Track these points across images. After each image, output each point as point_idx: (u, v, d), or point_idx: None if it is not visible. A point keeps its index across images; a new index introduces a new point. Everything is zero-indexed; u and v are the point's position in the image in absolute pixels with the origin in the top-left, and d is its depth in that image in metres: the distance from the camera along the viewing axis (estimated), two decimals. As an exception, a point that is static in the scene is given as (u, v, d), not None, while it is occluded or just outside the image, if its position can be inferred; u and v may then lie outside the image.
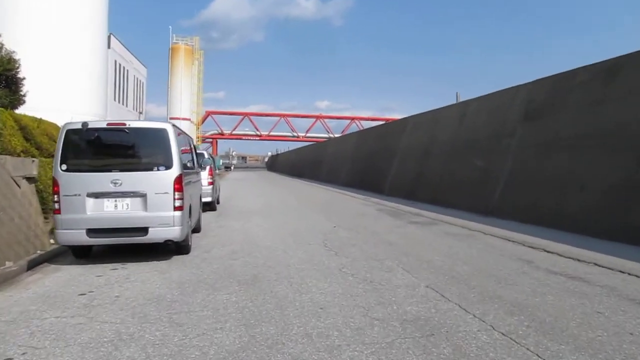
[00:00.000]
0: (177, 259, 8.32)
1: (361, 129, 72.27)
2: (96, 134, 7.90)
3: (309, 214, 15.63)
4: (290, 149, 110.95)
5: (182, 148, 9.45)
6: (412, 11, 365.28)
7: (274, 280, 6.81)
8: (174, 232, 7.91)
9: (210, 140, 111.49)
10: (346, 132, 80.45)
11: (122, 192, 7.74)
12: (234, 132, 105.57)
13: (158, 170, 7.91)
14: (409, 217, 14.67)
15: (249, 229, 11.98)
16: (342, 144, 42.45)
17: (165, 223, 7.83)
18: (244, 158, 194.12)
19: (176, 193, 7.91)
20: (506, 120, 15.65)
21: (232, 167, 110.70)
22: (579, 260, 7.97)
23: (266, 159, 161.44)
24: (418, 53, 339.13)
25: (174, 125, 8.30)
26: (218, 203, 18.69)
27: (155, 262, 8.08)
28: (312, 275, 7.04)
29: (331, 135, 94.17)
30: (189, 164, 10.17)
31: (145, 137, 8.11)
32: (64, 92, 26.79)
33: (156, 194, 7.81)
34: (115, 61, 38.69)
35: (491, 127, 16.49)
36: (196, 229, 11.15)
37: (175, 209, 7.89)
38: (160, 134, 8.00)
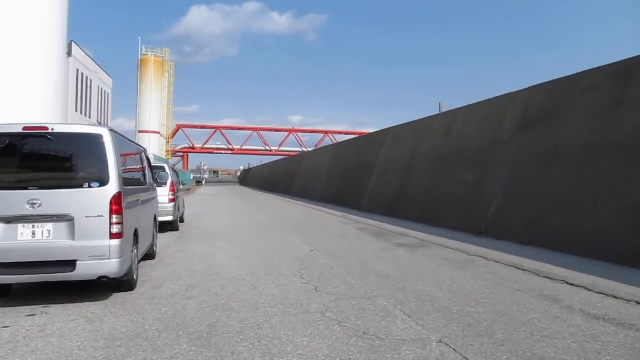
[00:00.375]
0: (116, 299, 6.57)
1: (334, 142, 70.69)
2: (7, 141, 6.14)
3: (283, 235, 13.97)
4: (263, 163, 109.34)
5: (130, 159, 7.75)
6: (384, 25, 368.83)
7: (236, 333, 5.14)
8: (110, 267, 6.18)
9: (181, 154, 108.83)
10: (320, 146, 79.29)
11: (42, 216, 5.99)
12: (205, 146, 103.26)
13: (90, 187, 6.19)
14: (394, 238, 13.14)
15: (213, 255, 10.26)
16: (318, 158, 40.96)
17: (99, 255, 6.11)
18: (216, 172, 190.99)
19: (114, 216, 6.18)
20: (499, 130, 14.33)
21: (203, 182, 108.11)
22: (615, 297, 6.50)
23: (239, 174, 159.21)
24: (391, 66, 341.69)
25: (112, 131, 6.58)
26: (182, 222, 16.90)
27: (87, 303, 6.32)
28: (288, 324, 5.39)
29: (304, 149, 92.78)
30: (139, 179, 8.47)
31: (74, 145, 6.36)
32: (15, 102, 24.60)
33: (87, 217, 6.09)
34: (78, 70, 36.51)
35: (482, 137, 15.16)
36: (150, 255, 9.41)
37: (113, 236, 6.17)
38: (95, 141, 6.29)
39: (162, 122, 77.64)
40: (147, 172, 9.22)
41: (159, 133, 76.01)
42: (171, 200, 14.37)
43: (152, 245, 9.44)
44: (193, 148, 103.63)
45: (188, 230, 15.11)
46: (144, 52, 77.75)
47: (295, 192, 44.34)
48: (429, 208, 17.03)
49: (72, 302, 6.32)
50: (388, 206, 20.75)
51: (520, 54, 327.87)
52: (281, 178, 59.69)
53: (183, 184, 17.01)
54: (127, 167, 7.37)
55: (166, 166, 15.12)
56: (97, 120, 42.89)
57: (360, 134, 54.14)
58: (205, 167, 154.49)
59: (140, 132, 73.80)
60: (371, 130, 31.58)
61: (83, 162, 6.40)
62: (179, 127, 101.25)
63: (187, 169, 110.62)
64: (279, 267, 8.84)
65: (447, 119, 18.19)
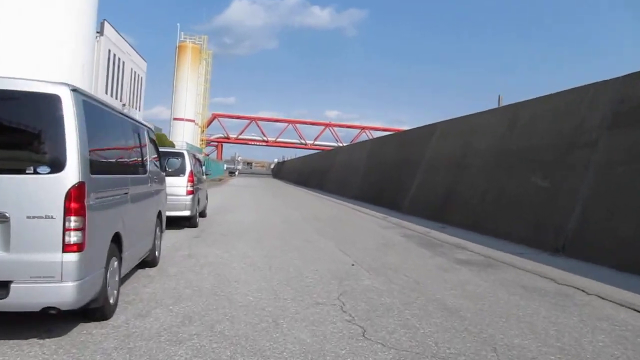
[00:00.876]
0: (79, 334, 4.58)
1: (371, 138, 67.67)
2: None
3: (316, 240, 11.87)
4: (297, 156, 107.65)
5: (115, 137, 5.74)
6: (424, 24, 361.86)
7: None
8: (61, 293, 4.16)
9: (216, 144, 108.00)
10: (356, 142, 76.73)
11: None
12: (240, 137, 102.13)
13: (36, 173, 4.16)
14: (451, 252, 10.87)
15: (229, 264, 8.21)
16: (354, 153, 38.73)
17: (45, 275, 4.09)
18: (249, 164, 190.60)
19: (71, 218, 4.16)
20: (581, 127, 11.86)
21: (236, 173, 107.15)
22: None
23: (272, 166, 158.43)
24: (430, 65, 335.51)
25: (78, 92, 4.50)
26: (203, 216, 15.01)
27: (33, 340, 4.34)
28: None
29: (340, 144, 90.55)
30: (130, 166, 6.46)
31: (16, 111, 4.33)
32: (39, 78, 23.14)
33: (29, 218, 4.08)
34: (110, 50, 35.14)
35: (555, 135, 12.70)
36: (149, 262, 7.45)
37: (67, 248, 4.15)
38: (48, 106, 4.25)
39: (197, 110, 76.48)
40: (148, 156, 7.19)
41: (193, 121, 75.03)
42: (189, 193, 12.45)
43: (153, 249, 7.46)
44: (227, 138, 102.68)
45: (208, 226, 13.16)
46: (182, 39, 76.76)
47: (329, 188, 42.26)
48: (485, 215, 14.65)
49: (8, 337, 4.33)
50: (434, 209, 18.43)
51: (562, 58, 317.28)
52: (314, 172, 57.68)
53: (207, 175, 15.07)
54: (108, 147, 5.34)
55: (185, 153, 13.15)
56: (128, 104, 41.61)
57: (397, 130, 51.89)
58: (239, 158, 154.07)
59: (175, 119, 72.99)
60: (408, 128, 29.60)
61: (28, 137, 4.35)
62: (214, 117, 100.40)
63: (221, 159, 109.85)
64: (312, 288, 6.72)
65: (509, 113, 15.73)
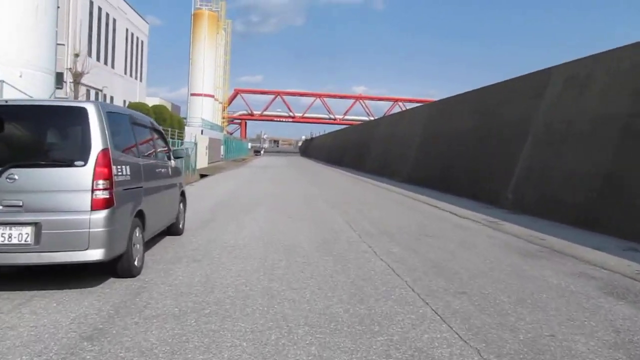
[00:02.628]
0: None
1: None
2: None
3: (394, 284, 4.47)
4: (326, 132, 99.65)
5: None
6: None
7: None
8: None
9: (239, 121, 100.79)
10: (389, 114, 67.98)
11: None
12: (265, 113, 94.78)
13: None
14: None
15: None
16: (403, 123, 30.97)
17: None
18: (276, 142, 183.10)
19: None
20: None
21: (262, 152, 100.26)
22: None
23: (299, 143, 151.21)
24: (459, 40, 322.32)
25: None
26: (177, 233, 7.86)
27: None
28: None
29: (372, 118, 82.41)
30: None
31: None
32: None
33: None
34: (92, 3, 27.87)
35: None
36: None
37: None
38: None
39: (217, 84, 69.34)
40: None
41: (212, 96, 67.92)
42: (101, 204, 5.02)
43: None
44: (251, 115, 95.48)
45: (165, 275, 5.82)
46: (198, 6, 69.19)
47: (369, 168, 34.75)
48: None
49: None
50: (580, 207, 10.84)
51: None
52: (349, 149, 50.13)
53: (178, 157, 7.63)
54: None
55: (90, 108, 5.48)
56: (125, 72, 34.51)
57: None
58: (265, 136, 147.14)
59: (192, 94, 65.85)
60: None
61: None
62: (236, 93, 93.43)
63: (245, 137, 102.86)
64: None
65: None
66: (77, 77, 22.92)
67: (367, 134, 42.89)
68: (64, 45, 22.69)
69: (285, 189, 19.24)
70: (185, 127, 34.37)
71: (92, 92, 27.13)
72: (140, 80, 38.15)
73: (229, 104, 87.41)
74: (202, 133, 36.06)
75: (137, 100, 31.20)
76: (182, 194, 8.55)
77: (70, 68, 23.50)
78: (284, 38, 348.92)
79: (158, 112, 26.84)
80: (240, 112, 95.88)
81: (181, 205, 8.30)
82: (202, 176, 25.56)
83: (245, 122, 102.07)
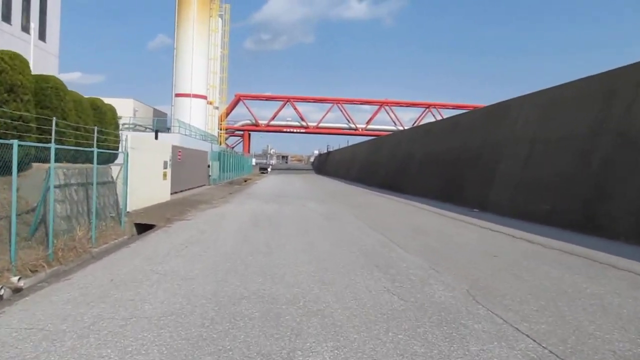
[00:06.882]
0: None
1: (439, 119, 44.80)
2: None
3: None
4: (341, 146, 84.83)
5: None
6: (463, 12, 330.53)
7: None
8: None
9: (241, 132, 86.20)
10: (421, 123, 53.25)
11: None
12: (272, 123, 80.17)
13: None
14: None
15: None
16: (491, 126, 16.39)
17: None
18: (284, 157, 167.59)
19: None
20: None
21: (269, 169, 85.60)
22: None
23: (312, 159, 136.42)
24: (469, 54, 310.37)
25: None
26: None
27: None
28: None
29: (400, 128, 67.95)
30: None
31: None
32: None
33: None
34: None
35: None
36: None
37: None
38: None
39: (210, 83, 54.79)
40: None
41: (204, 98, 53.46)
42: None
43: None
44: (256, 125, 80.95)
45: None
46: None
47: (420, 191, 20.08)
48: None
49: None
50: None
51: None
52: (386, 166, 35.72)
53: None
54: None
55: None
56: (22, 27, 19.98)
57: (476, 107, 29.36)
58: (272, 151, 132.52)
59: (177, 95, 51.57)
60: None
61: None
62: (238, 98, 79.36)
63: (249, 152, 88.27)
64: None
65: None
66: None
67: (413, 146, 28.45)
68: None
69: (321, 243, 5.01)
70: (130, 131, 20.10)
71: None
72: (45, 41, 22.54)
73: (229, 112, 73.25)
74: (156, 137, 21.74)
75: (33, 69, 15.50)
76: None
77: None
78: (294, 55, 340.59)
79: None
80: (243, 122, 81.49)
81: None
82: (141, 230, 11.43)
83: (249, 134, 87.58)
